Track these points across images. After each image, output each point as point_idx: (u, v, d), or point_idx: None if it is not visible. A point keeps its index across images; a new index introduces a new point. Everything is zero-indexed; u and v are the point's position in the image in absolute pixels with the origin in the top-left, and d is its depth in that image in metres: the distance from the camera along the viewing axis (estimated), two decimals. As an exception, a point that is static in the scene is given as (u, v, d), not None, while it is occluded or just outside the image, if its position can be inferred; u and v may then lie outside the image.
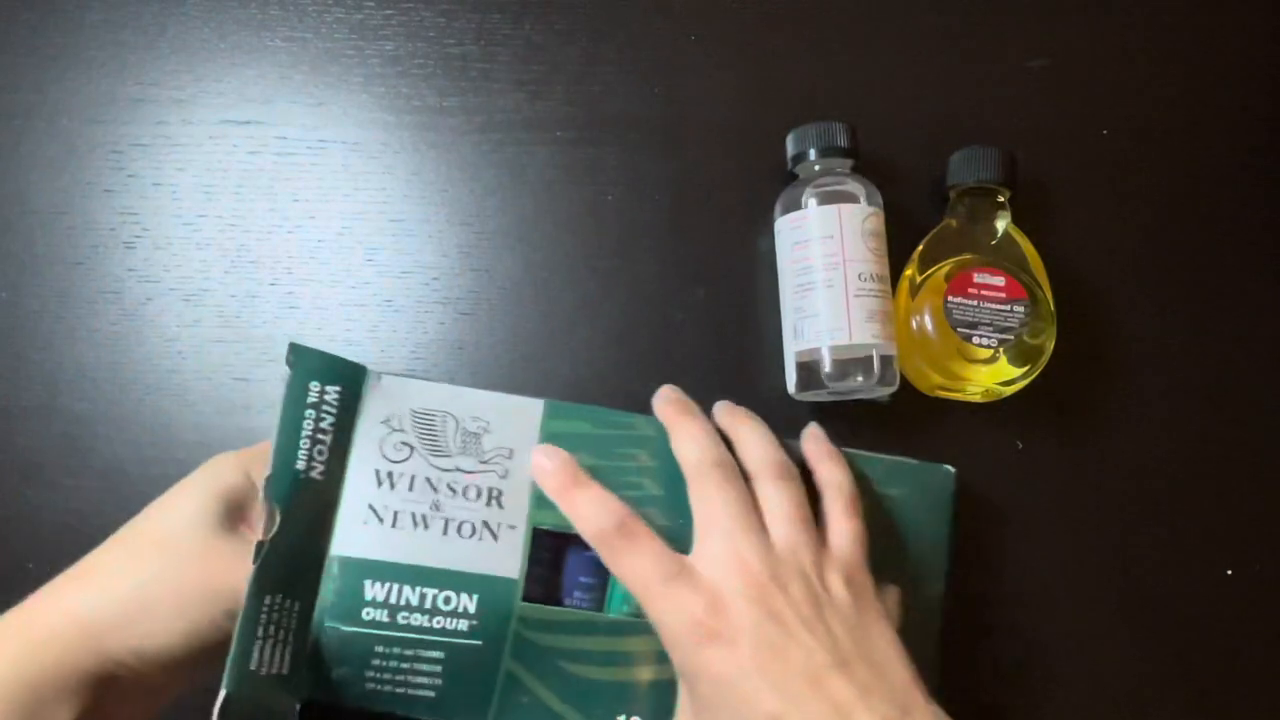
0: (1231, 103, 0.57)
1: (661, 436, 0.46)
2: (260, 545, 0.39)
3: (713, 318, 0.53)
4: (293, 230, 0.53)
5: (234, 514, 0.41)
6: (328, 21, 0.56)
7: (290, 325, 0.52)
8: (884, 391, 0.49)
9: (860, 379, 0.48)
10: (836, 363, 0.48)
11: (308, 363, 0.43)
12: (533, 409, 0.45)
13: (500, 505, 0.44)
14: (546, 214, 0.54)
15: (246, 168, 0.54)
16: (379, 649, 0.42)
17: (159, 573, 0.39)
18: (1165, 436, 0.53)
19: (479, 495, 0.44)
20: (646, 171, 0.55)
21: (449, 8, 0.56)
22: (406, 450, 0.44)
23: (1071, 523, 0.52)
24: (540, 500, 0.44)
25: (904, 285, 0.51)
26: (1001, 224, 0.52)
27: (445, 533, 0.43)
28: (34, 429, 0.51)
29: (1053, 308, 0.50)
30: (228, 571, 0.39)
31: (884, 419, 0.52)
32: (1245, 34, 0.58)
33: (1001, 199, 0.52)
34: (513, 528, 0.44)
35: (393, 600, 0.42)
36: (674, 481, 0.45)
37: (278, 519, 0.40)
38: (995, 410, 0.51)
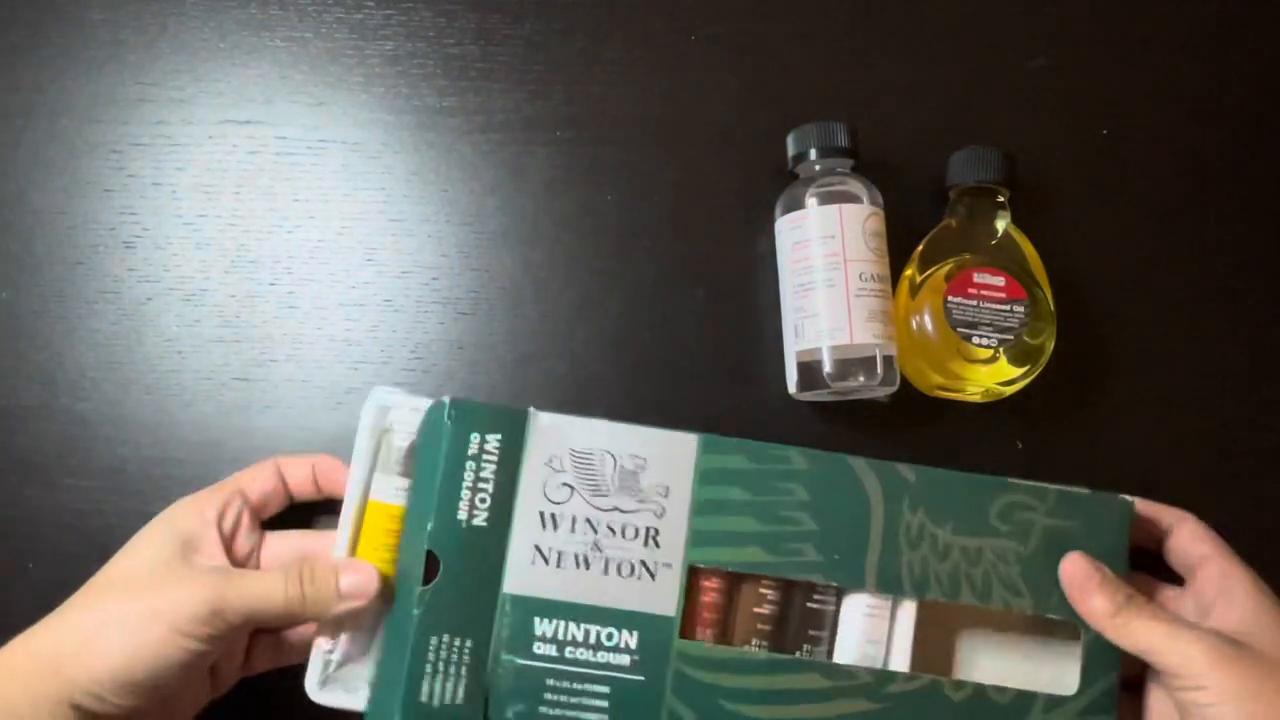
0: (1232, 102, 0.57)
1: (815, 470, 0.46)
2: (422, 592, 0.43)
3: (713, 318, 0.53)
4: (292, 230, 0.53)
5: (188, 551, 0.43)
6: (327, 21, 0.56)
7: (290, 325, 0.52)
8: (885, 391, 0.49)
9: (861, 379, 0.48)
10: (838, 362, 0.48)
11: (467, 415, 0.45)
12: (687, 444, 0.46)
13: (657, 544, 0.45)
14: (546, 214, 0.54)
15: (246, 167, 0.54)
16: (550, 682, 0.44)
17: (111, 604, 0.41)
18: (1165, 436, 0.53)
19: (636, 535, 0.45)
20: (646, 171, 0.55)
21: (449, 8, 0.56)
22: (567, 491, 0.45)
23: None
24: (696, 538, 0.45)
25: (904, 285, 0.51)
26: (1001, 224, 0.52)
27: (605, 572, 0.45)
28: (34, 429, 0.51)
29: (1052, 308, 0.50)
30: (175, 592, 0.40)
31: (884, 419, 0.52)
32: (1245, 34, 0.58)
33: (1001, 199, 0.52)
34: (669, 566, 0.45)
35: (560, 636, 0.44)
36: (829, 517, 0.46)
37: (440, 567, 0.43)
38: (995, 410, 0.51)
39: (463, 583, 0.44)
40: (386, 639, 0.44)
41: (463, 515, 0.44)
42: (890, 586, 0.45)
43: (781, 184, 0.52)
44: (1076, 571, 0.45)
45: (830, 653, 0.46)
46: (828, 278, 0.48)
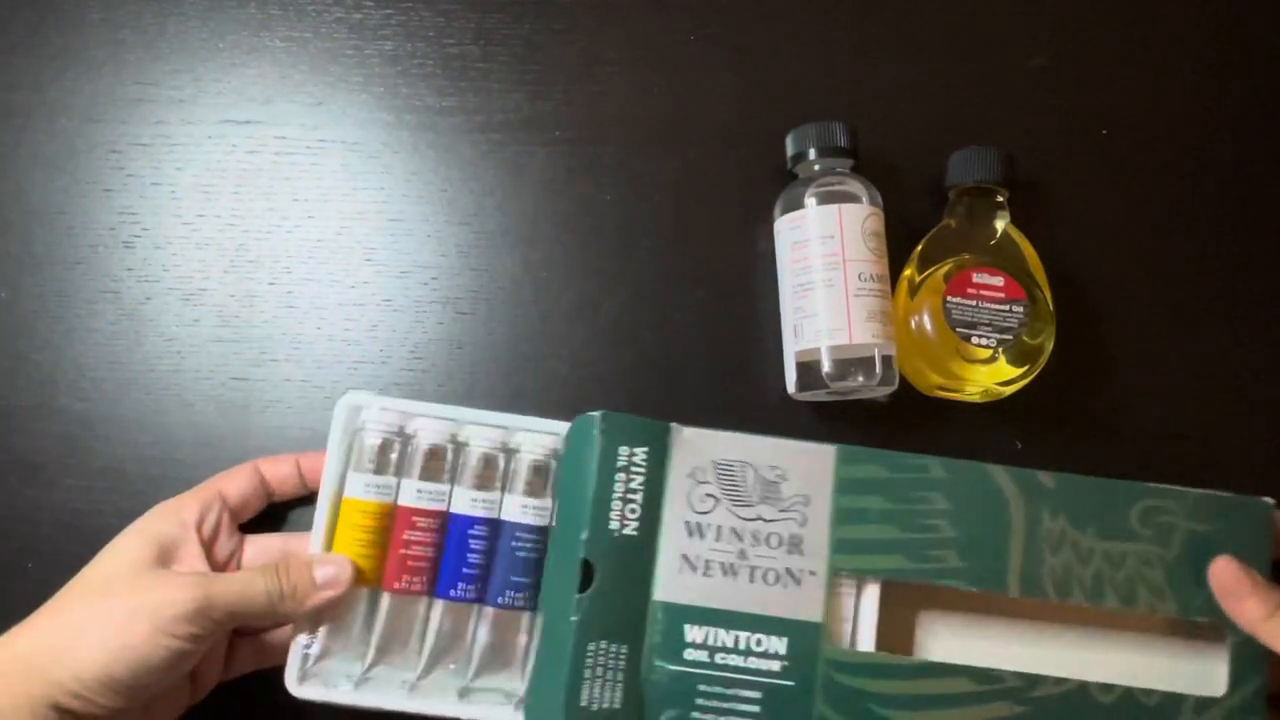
0: (1231, 102, 0.57)
1: (955, 478, 0.47)
2: (580, 599, 0.44)
3: (713, 318, 0.53)
4: (292, 230, 0.53)
5: (166, 555, 0.43)
6: (327, 21, 0.56)
7: (289, 325, 0.52)
8: (884, 391, 0.49)
9: (861, 379, 0.48)
10: (837, 362, 0.48)
11: (617, 428, 0.46)
12: (825, 455, 0.47)
13: (801, 552, 0.46)
14: (545, 214, 0.54)
15: (246, 167, 0.54)
16: (702, 687, 0.45)
17: (92, 605, 0.41)
18: (1164, 436, 0.53)
19: (780, 543, 0.46)
20: (646, 171, 0.55)
21: (448, 7, 0.56)
22: (711, 501, 0.46)
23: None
24: (838, 546, 0.46)
25: (903, 285, 0.51)
26: (1001, 224, 0.52)
27: (752, 580, 0.46)
28: (34, 429, 0.51)
29: (1051, 308, 0.50)
30: (159, 592, 0.41)
31: (883, 419, 0.52)
32: (1245, 34, 0.58)
33: (1000, 199, 0.52)
34: (813, 574, 0.46)
35: (710, 642, 0.45)
36: (969, 524, 0.46)
37: (595, 575, 0.44)
38: (995, 410, 0.51)
39: (616, 590, 0.45)
40: (543, 646, 0.45)
41: (615, 525, 0.45)
42: (1034, 591, 0.46)
43: (781, 184, 0.52)
44: (1227, 575, 0.45)
45: None
46: (827, 278, 0.48)
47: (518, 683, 0.46)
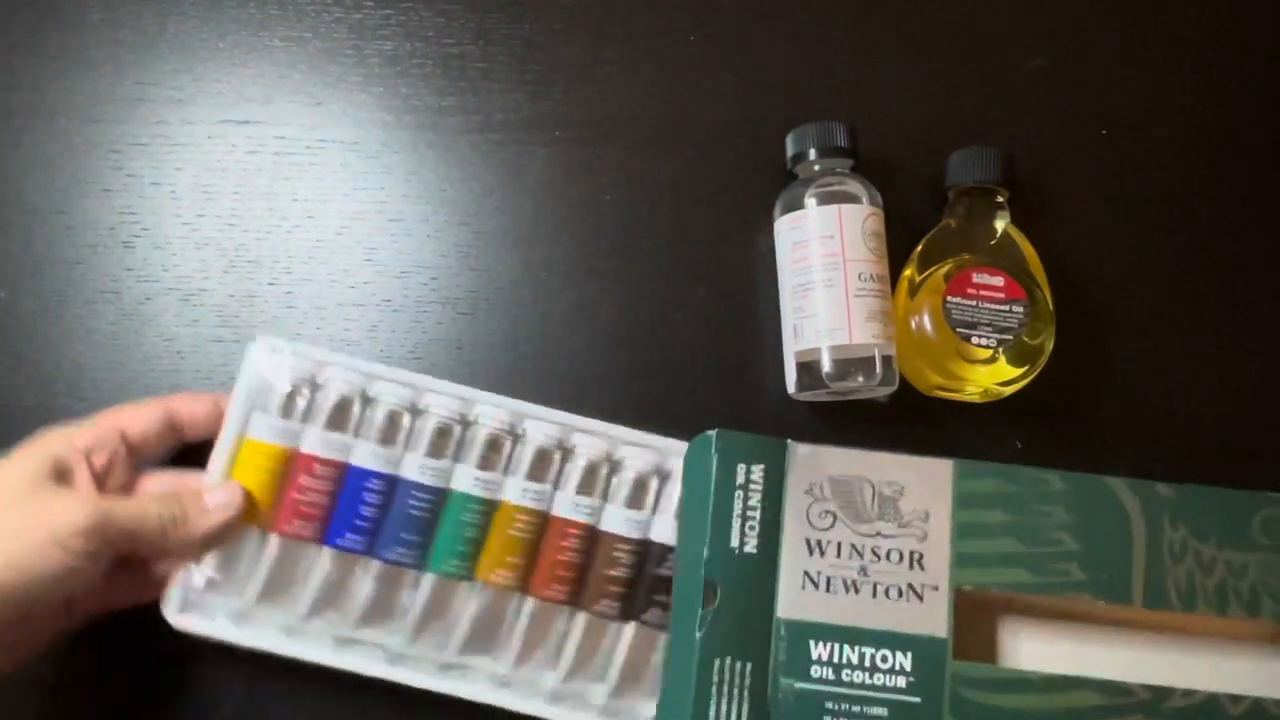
0: (1231, 102, 0.57)
1: (1075, 491, 0.47)
2: (704, 615, 0.44)
3: (713, 318, 0.53)
4: (291, 230, 0.53)
5: (61, 474, 0.43)
6: (326, 21, 0.56)
7: (289, 325, 0.52)
8: (884, 391, 0.49)
9: (861, 379, 0.48)
10: (837, 363, 0.48)
11: (733, 447, 0.46)
12: (943, 470, 0.47)
13: (922, 567, 0.46)
14: (545, 214, 0.54)
15: (245, 167, 0.54)
16: (829, 705, 0.44)
17: None
18: (1164, 436, 0.53)
19: (901, 559, 0.46)
20: (646, 171, 0.54)
21: (448, 7, 0.56)
22: (830, 518, 0.47)
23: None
24: (960, 560, 0.46)
25: (903, 285, 0.51)
26: (1000, 224, 0.52)
27: (874, 595, 0.46)
28: (34, 429, 0.51)
29: (1051, 308, 0.50)
30: (56, 504, 0.41)
31: (883, 419, 0.52)
32: (1245, 34, 0.58)
33: (1000, 199, 0.52)
34: (935, 589, 0.46)
35: (836, 659, 0.45)
36: (1091, 536, 0.46)
37: (718, 592, 0.45)
38: (995, 410, 0.51)
39: (739, 608, 0.45)
40: (670, 664, 0.46)
41: (735, 543, 0.46)
42: (1158, 601, 0.46)
43: (781, 184, 0.52)
44: None
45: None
46: (827, 278, 0.48)
47: (399, 639, 0.46)
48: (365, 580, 0.47)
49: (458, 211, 0.54)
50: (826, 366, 0.48)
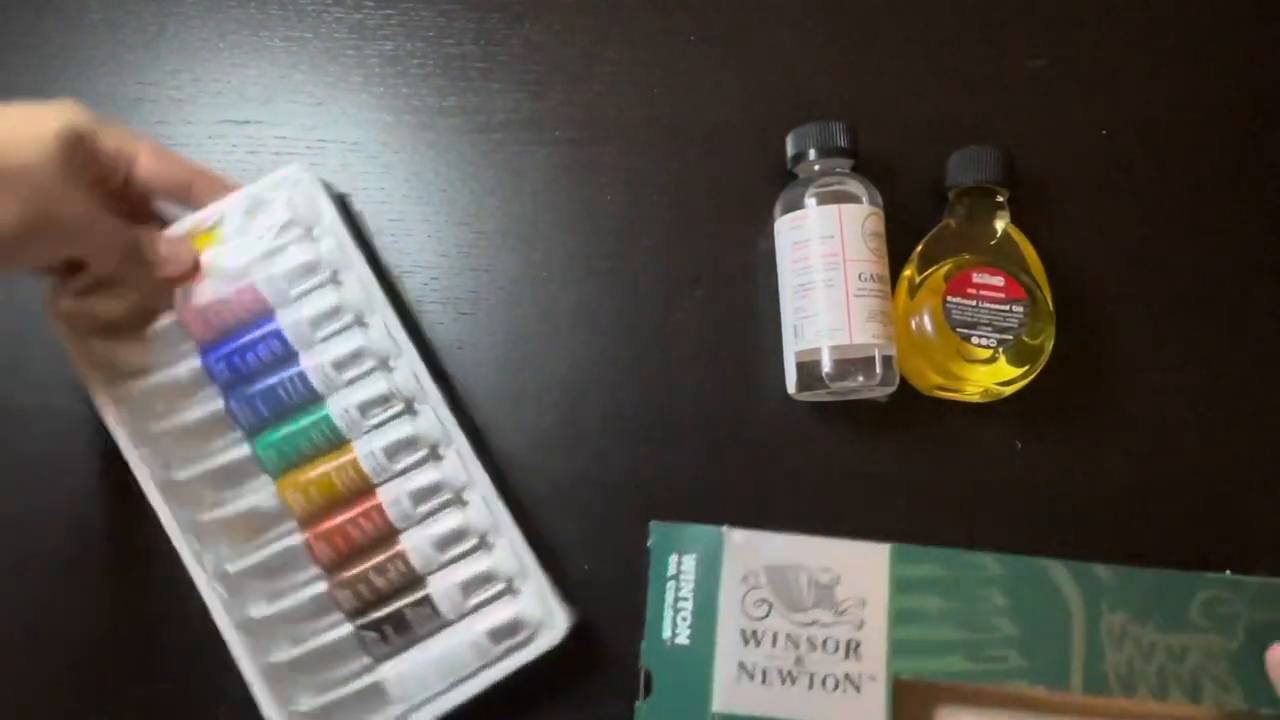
0: (1231, 102, 0.57)
1: (1013, 574, 0.46)
2: (639, 707, 0.45)
3: (713, 318, 0.53)
4: (292, 230, 0.53)
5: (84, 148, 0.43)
6: (327, 21, 0.56)
7: (290, 325, 0.52)
8: (884, 392, 0.49)
9: (861, 379, 0.48)
10: (837, 363, 0.48)
11: (667, 536, 0.47)
12: (879, 555, 0.47)
13: (859, 657, 0.46)
14: (545, 214, 0.54)
15: (245, 167, 0.54)
16: None
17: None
18: (1164, 436, 0.53)
19: (838, 648, 0.46)
20: (646, 171, 0.55)
21: (448, 8, 0.56)
22: (765, 607, 0.46)
23: (1071, 523, 0.52)
24: (897, 649, 0.46)
25: (903, 285, 0.51)
26: (1001, 224, 0.52)
27: (811, 687, 0.45)
28: (34, 429, 0.51)
29: (1051, 308, 0.50)
30: (54, 107, 0.42)
31: (883, 419, 0.52)
32: (1245, 34, 0.58)
33: (1000, 199, 0.52)
34: (873, 679, 0.46)
35: None
36: (1029, 621, 0.46)
37: (653, 684, 0.45)
38: (995, 410, 0.51)
39: (675, 701, 0.45)
40: None
41: (667, 634, 0.46)
42: (1098, 687, 0.45)
43: (781, 184, 0.52)
44: None
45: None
46: (827, 278, 0.48)
47: (184, 472, 0.47)
48: (198, 409, 0.47)
49: (458, 211, 0.54)
50: (827, 366, 0.48)
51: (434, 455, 0.48)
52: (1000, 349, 0.49)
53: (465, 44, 0.56)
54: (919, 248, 0.52)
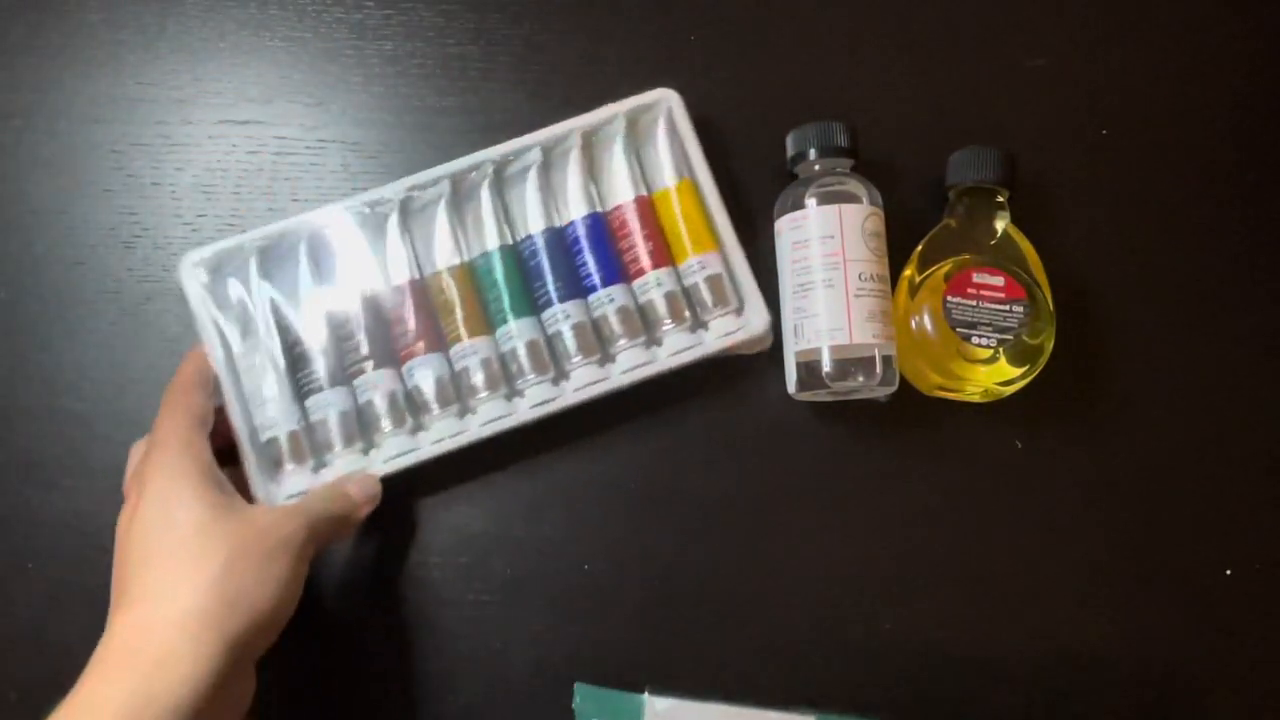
0: (1231, 102, 0.57)
1: None
2: None
3: (713, 317, 0.53)
4: (292, 230, 0.53)
5: (215, 479, 0.43)
6: (327, 21, 0.56)
7: (290, 325, 0.52)
8: (884, 392, 0.49)
9: (861, 379, 0.48)
10: (837, 363, 0.48)
11: (590, 701, 0.46)
12: None
13: None
14: (546, 214, 0.54)
15: (245, 167, 0.54)
16: None
17: (230, 552, 0.41)
18: (1164, 436, 0.53)
19: None
20: (646, 171, 0.54)
21: (448, 8, 0.56)
22: None
23: (1070, 523, 0.52)
24: None
25: (903, 285, 0.51)
26: (1001, 224, 0.52)
27: None
28: (34, 429, 0.51)
29: (1052, 308, 0.50)
30: (277, 526, 0.42)
31: (883, 419, 0.52)
32: (1245, 34, 0.58)
33: (1000, 199, 0.52)
34: None
35: None
36: None
37: None
38: (995, 410, 0.51)
39: None
40: None
41: None
42: None
43: (781, 184, 0.52)
44: None
45: None
46: (827, 278, 0.48)
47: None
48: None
49: (458, 211, 0.54)
50: (827, 366, 0.48)
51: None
52: (1001, 349, 0.49)
53: (465, 44, 0.56)
54: (919, 248, 0.51)
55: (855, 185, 0.50)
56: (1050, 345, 0.50)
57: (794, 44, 0.56)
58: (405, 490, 0.50)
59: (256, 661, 0.42)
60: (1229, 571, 0.52)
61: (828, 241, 0.48)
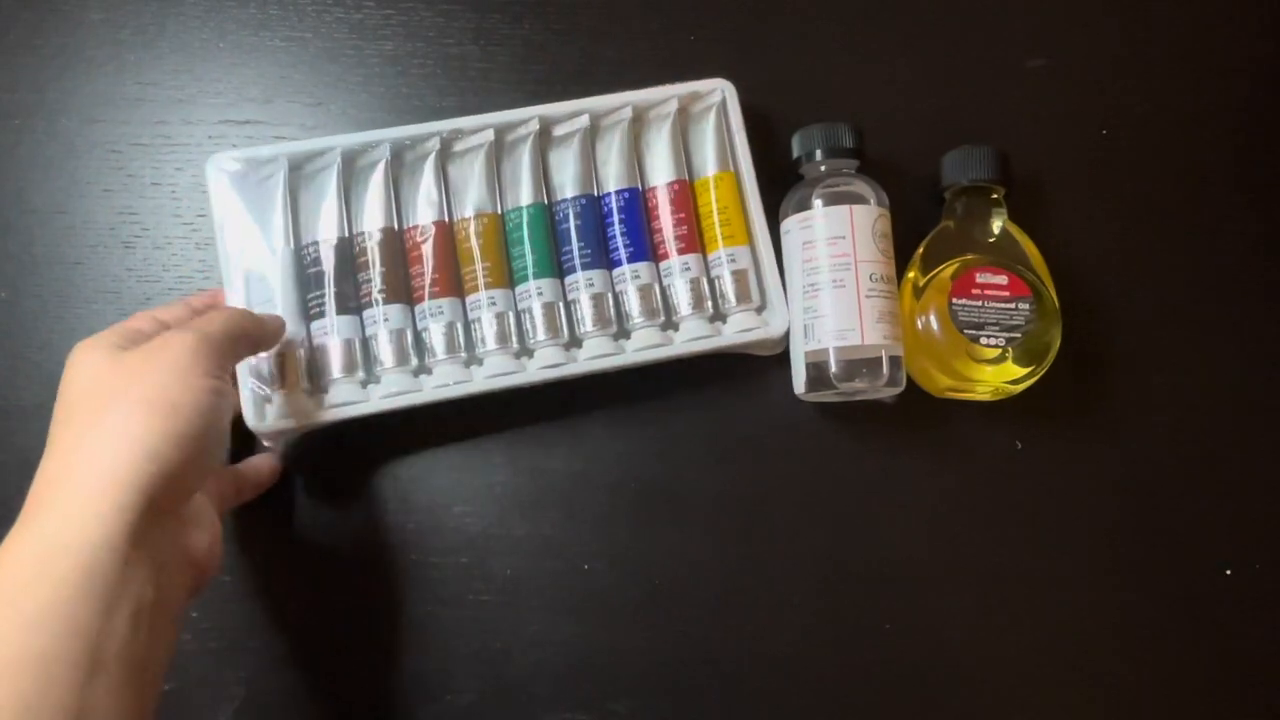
0: (1230, 102, 0.57)
1: None
2: None
3: (715, 317, 0.53)
4: (293, 230, 0.53)
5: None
6: (327, 21, 0.56)
7: (290, 325, 0.52)
8: (891, 392, 0.49)
9: (869, 380, 0.48)
10: (844, 363, 0.48)
11: None
12: None
13: None
14: (547, 214, 0.54)
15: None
16: None
17: (118, 398, 0.40)
18: (1164, 436, 0.53)
19: None
20: (648, 171, 0.54)
21: (448, 8, 0.56)
22: None
23: (1071, 523, 0.52)
24: None
25: (907, 287, 0.51)
26: (998, 222, 0.52)
27: None
28: (34, 429, 0.51)
29: (1057, 303, 0.50)
30: (162, 350, 0.40)
31: (883, 419, 0.52)
32: (1244, 34, 0.58)
33: (996, 196, 0.52)
34: None
35: None
36: None
37: None
38: (995, 410, 0.51)
39: None
40: None
41: None
42: None
43: (783, 184, 0.52)
44: None
45: None
46: (837, 278, 0.48)
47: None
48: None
49: (459, 211, 0.54)
50: (834, 367, 0.48)
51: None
52: (1009, 347, 0.48)
53: (465, 44, 0.56)
54: (920, 249, 0.51)
55: (862, 186, 0.50)
56: (1057, 341, 0.49)
57: (794, 44, 0.56)
58: (405, 490, 0.50)
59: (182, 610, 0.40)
60: (1229, 572, 0.52)
61: (838, 242, 0.48)
